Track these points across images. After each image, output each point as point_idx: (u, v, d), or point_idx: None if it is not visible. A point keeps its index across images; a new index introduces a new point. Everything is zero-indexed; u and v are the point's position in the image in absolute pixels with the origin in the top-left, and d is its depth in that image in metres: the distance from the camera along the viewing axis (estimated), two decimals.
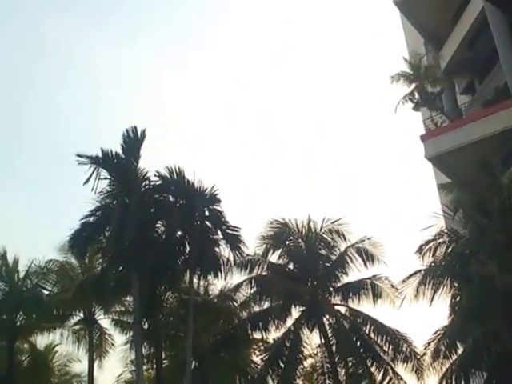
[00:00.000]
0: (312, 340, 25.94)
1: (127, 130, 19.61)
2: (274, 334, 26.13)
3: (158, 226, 20.75)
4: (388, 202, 69.34)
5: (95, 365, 25.62)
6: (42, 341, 26.72)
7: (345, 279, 25.71)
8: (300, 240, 26.26)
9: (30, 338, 25.14)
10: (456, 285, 19.68)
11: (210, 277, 22.12)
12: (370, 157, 76.61)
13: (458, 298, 19.63)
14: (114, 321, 25.87)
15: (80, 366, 29.74)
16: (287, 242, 26.10)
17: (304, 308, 25.26)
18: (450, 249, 19.91)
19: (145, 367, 23.79)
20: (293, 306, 25.22)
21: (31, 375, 26.19)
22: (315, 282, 25.74)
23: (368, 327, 24.61)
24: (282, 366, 24.95)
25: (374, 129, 71.18)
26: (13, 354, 23.77)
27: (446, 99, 29.30)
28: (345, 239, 25.81)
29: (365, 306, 25.14)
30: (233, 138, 78.55)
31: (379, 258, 25.21)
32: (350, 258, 25.55)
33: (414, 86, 26.57)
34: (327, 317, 25.18)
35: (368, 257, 25.18)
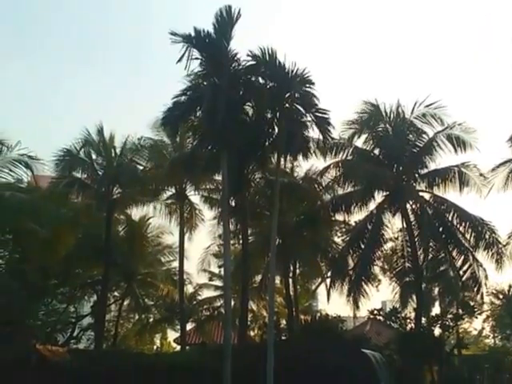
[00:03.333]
0: (393, 224, 26.33)
1: (220, 10, 19.09)
2: (355, 217, 26.71)
3: (247, 107, 20.80)
4: (483, 89, 66.38)
5: (185, 237, 27.27)
6: (136, 213, 28.59)
7: (431, 166, 25.41)
8: (387, 125, 25.81)
9: (126, 210, 26.79)
10: None
11: (296, 158, 22.30)
12: (465, 40, 72.66)
13: None
14: (203, 197, 27.06)
15: (171, 238, 31.93)
16: (374, 127, 25.73)
17: (387, 193, 25.35)
18: None
19: (231, 242, 25.00)
20: (376, 191, 25.37)
21: (128, 244, 28.31)
22: (400, 168, 25.57)
23: (451, 214, 24.56)
24: (363, 247, 25.61)
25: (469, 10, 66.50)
26: (111, 224, 25.49)
27: None
28: (437, 123, 25.10)
29: (450, 193, 24.98)
30: (327, 20, 76.11)
31: (471, 145, 24.46)
32: (439, 144, 25.00)
33: None
34: (410, 202, 25.22)
35: (459, 143, 24.51)
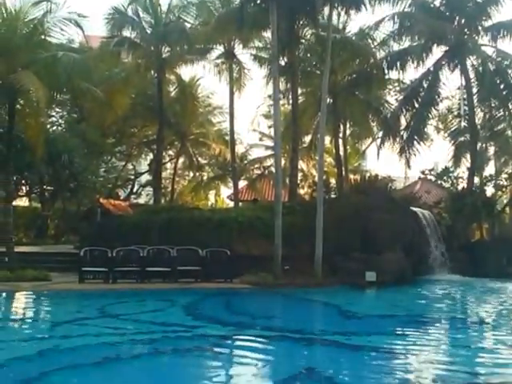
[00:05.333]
0: (451, 82, 25.31)
1: None
2: (410, 75, 25.79)
3: None
4: None
5: (235, 97, 27.22)
6: (186, 73, 28.51)
7: (496, 18, 23.65)
8: None
9: (175, 69, 26.71)
10: None
11: (349, 12, 21.14)
12: None
13: None
14: (252, 56, 26.48)
15: (221, 99, 32.05)
16: None
17: (447, 48, 24.06)
18: None
19: (281, 102, 24.80)
20: (435, 46, 24.10)
21: (179, 104, 28.64)
22: (462, 21, 23.94)
23: None
24: (417, 106, 24.98)
25: None
26: (162, 84, 25.63)
27: None
28: None
29: None
30: None
31: None
32: None
33: None
34: (471, 58, 23.95)
35: None
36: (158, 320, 10.80)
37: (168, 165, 36.21)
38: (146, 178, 36.89)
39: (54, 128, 26.68)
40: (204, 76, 28.49)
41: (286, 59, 22.82)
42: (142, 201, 36.26)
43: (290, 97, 24.33)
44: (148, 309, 12.64)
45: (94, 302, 13.39)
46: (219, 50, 26.74)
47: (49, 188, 28.68)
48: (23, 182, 25.98)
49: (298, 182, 27.84)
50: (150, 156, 34.92)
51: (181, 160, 35.09)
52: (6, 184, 18.17)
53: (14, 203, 22.44)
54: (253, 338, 9.36)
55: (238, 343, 9.37)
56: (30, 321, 11.51)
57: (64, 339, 8.85)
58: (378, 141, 26.80)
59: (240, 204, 29.30)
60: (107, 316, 11.42)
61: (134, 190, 37.32)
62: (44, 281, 15.46)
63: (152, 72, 26.03)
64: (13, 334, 9.80)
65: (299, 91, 25.13)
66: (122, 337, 9.15)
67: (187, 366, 7.62)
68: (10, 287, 14.50)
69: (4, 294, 14.26)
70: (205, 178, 36.65)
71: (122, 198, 34.43)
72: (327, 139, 28.91)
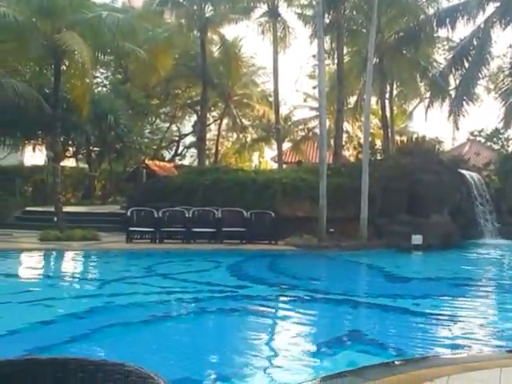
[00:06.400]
0: (502, 39, 24.17)
1: None
2: (460, 33, 24.72)
3: None
4: None
5: (279, 57, 26.73)
6: (229, 33, 28.10)
7: None
8: None
9: (218, 29, 26.38)
10: None
11: None
12: None
13: None
14: (296, 14, 25.85)
15: (265, 60, 31.60)
16: None
17: (499, 4, 22.84)
18: None
19: (326, 62, 24.25)
20: (487, 2, 22.91)
21: (223, 65, 28.40)
22: None
23: None
24: (466, 65, 23.96)
25: None
26: (205, 44, 25.38)
27: None
28: None
29: None
30: None
31: None
32: None
33: None
34: None
35: None
36: (203, 280, 10.96)
37: (212, 126, 36.26)
38: (190, 139, 37.11)
39: (99, 89, 26.95)
40: (247, 36, 27.88)
41: (331, 17, 22.21)
42: (186, 162, 36.58)
43: (335, 56, 23.78)
44: (194, 269, 12.83)
45: (142, 261, 13.70)
46: (263, 8, 26.25)
47: (95, 149, 29.21)
48: (70, 142, 26.49)
49: (343, 143, 27.44)
50: (194, 117, 35.02)
51: (225, 121, 35.06)
52: (54, 145, 18.54)
53: (62, 164, 22.98)
54: (297, 300, 9.41)
55: (283, 304, 9.43)
56: (80, 279, 11.88)
57: (113, 297, 9.09)
58: (426, 101, 26.02)
59: (284, 166, 29.18)
60: (154, 275, 11.67)
61: (179, 151, 37.65)
62: (93, 240, 15.88)
63: (195, 32, 25.79)
64: (65, 291, 10.15)
65: (345, 50, 24.54)
66: (169, 295, 9.34)
67: (232, 326, 7.73)
68: (61, 246, 14.96)
69: (55, 253, 14.73)
70: (248, 139, 36.57)
71: (166, 159, 34.82)
72: (373, 100, 28.22)
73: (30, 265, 13.88)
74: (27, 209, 21.30)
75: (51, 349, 5.84)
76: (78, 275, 12.49)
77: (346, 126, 30.77)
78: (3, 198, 21.44)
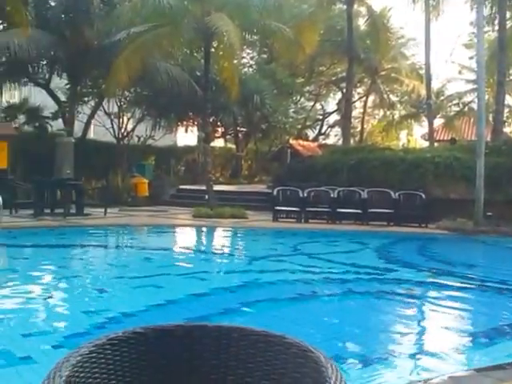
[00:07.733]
0: None
1: None
2: None
3: None
4: None
5: (431, 27, 25.07)
6: (377, 4, 26.91)
7: None
8: None
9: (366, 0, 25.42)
10: None
11: None
12: None
13: None
14: None
15: (414, 31, 29.98)
16: None
17: None
18: None
19: (486, 29, 22.30)
20: None
21: (370, 38, 27.36)
22: None
23: None
24: None
25: None
26: (351, 17, 24.45)
27: None
28: None
29: None
30: None
31: None
32: None
33: None
34: None
35: None
36: (349, 261, 10.65)
37: (357, 103, 35.41)
38: (334, 117, 36.63)
39: (245, 70, 27.48)
40: (396, 5, 26.59)
41: None
42: (330, 141, 36.22)
43: (497, 22, 21.74)
44: (339, 249, 12.56)
45: (288, 240, 13.74)
46: None
47: (242, 129, 29.95)
48: (219, 123, 27.42)
49: (504, 119, 25.19)
50: (339, 95, 34.45)
51: (371, 98, 34.04)
52: (205, 125, 19.26)
53: (212, 144, 23.84)
54: (450, 286, 8.75)
55: (434, 290, 8.81)
56: (230, 255, 12.20)
57: (262, 273, 9.17)
58: None
59: (436, 144, 27.60)
60: (300, 254, 11.60)
61: (323, 130, 37.37)
62: (241, 218, 16.31)
63: (339, 5, 25.13)
64: (216, 266, 10.49)
65: (507, 15, 22.26)
66: (315, 275, 9.18)
67: (380, 309, 7.37)
68: (212, 223, 15.59)
69: (205, 230, 15.38)
70: (396, 116, 35.18)
71: (310, 138, 34.74)
72: None
73: (185, 239, 14.76)
74: (180, 187, 22.50)
75: (206, 319, 5.96)
76: (228, 251, 12.87)
77: (508, 99, 28.21)
78: (160, 176, 22.88)
